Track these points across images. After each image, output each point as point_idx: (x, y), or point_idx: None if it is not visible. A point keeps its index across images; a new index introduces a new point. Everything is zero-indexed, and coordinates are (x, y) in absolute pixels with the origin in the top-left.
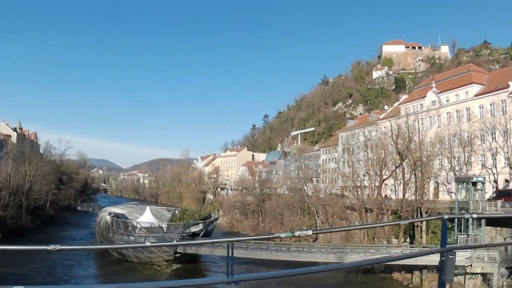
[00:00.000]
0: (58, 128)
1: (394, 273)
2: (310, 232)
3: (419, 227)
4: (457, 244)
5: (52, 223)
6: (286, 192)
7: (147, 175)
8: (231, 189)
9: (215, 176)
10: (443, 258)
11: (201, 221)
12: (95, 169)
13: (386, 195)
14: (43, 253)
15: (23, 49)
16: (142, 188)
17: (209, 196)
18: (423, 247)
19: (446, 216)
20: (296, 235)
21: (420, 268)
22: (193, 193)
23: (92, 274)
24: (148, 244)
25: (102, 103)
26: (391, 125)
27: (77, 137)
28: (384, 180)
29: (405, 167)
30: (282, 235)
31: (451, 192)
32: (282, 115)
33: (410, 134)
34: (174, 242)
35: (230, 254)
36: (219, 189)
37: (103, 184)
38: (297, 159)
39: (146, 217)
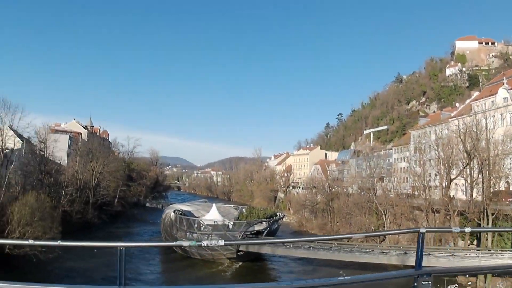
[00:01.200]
0: (134, 126)
1: (458, 276)
2: (222, 243)
3: None
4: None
5: (119, 219)
6: (357, 191)
7: (220, 173)
8: (302, 188)
9: (287, 174)
10: (415, 284)
11: (265, 220)
12: (169, 166)
13: (453, 196)
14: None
15: (96, 49)
16: (215, 186)
17: (280, 195)
18: (488, 250)
19: (423, 230)
20: (203, 245)
21: (484, 272)
22: (264, 191)
23: (155, 270)
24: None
25: (179, 103)
26: (458, 123)
27: (153, 135)
28: (452, 180)
29: (473, 166)
30: (185, 243)
31: None
32: (356, 113)
33: (478, 133)
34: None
35: (120, 261)
36: (290, 187)
37: (176, 181)
38: (368, 158)
39: (212, 214)
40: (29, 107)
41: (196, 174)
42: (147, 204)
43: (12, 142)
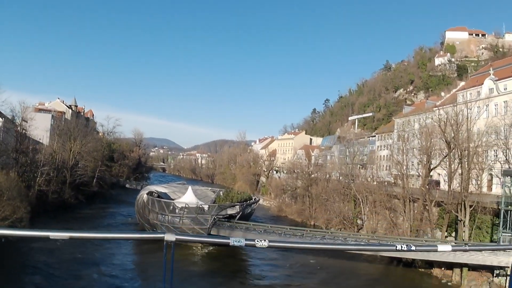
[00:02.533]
0: (123, 107)
1: (435, 269)
2: (266, 244)
3: (462, 222)
4: (499, 242)
5: (96, 200)
6: (338, 178)
7: (206, 155)
8: (285, 172)
9: (270, 158)
10: None
11: (238, 203)
12: (156, 148)
13: (433, 186)
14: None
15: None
16: (199, 168)
17: (263, 179)
18: (464, 244)
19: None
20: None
21: (461, 265)
22: (246, 175)
23: (130, 251)
24: None
25: (169, 85)
26: (439, 113)
27: (141, 116)
28: (431, 170)
29: (453, 157)
30: (232, 241)
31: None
32: (343, 100)
33: (459, 123)
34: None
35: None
36: (274, 172)
37: (161, 163)
38: (351, 145)
39: (188, 197)
40: (13, 85)
41: (181, 156)
42: (127, 185)
43: None
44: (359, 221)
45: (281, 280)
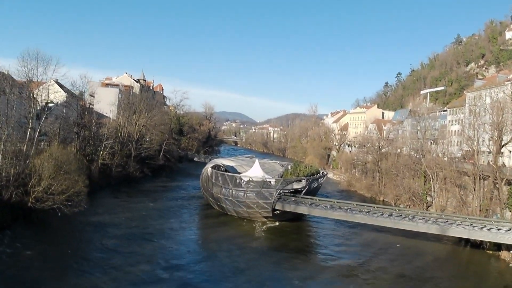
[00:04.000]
0: (196, 82)
1: (503, 251)
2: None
3: None
4: None
5: (163, 173)
6: (411, 153)
7: (278, 129)
8: (356, 147)
9: (342, 132)
10: None
11: (304, 178)
12: (228, 121)
13: (503, 164)
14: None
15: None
16: (271, 142)
17: (334, 153)
18: None
19: None
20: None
21: None
22: (317, 149)
23: (192, 226)
24: None
25: (244, 59)
26: (511, 87)
27: (215, 91)
28: (502, 146)
29: None
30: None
31: None
32: (415, 73)
33: None
34: None
35: None
36: (345, 146)
37: (233, 136)
38: (422, 119)
39: (254, 171)
40: (82, 61)
41: (254, 130)
42: (195, 159)
43: (59, 96)
44: (428, 198)
45: (346, 257)
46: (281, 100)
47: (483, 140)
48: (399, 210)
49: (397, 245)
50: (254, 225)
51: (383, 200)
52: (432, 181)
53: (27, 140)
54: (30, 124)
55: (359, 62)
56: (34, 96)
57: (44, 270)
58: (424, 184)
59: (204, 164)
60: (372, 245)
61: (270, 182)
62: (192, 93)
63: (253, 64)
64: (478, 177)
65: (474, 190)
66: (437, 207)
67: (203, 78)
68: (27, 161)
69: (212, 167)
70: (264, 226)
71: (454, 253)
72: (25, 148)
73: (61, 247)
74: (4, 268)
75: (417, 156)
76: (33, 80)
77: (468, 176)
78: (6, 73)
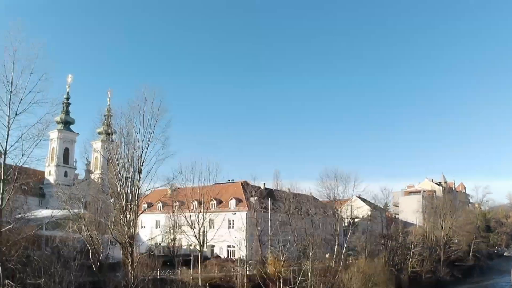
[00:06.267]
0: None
1: None
2: None
3: None
4: None
5: (474, 274)
6: None
7: None
8: None
9: None
10: None
11: None
12: None
13: None
14: None
15: None
16: None
17: None
18: None
19: None
20: None
21: None
22: None
23: None
24: None
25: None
26: None
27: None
28: None
29: None
30: None
31: None
32: None
33: None
34: None
35: None
36: None
37: None
38: None
39: None
40: (379, 174)
41: None
42: (505, 253)
43: (362, 210)
44: None
45: None
46: None
47: None
48: None
49: None
50: None
51: None
52: None
53: (334, 256)
54: (337, 240)
55: None
56: (339, 213)
57: None
58: None
59: None
60: None
61: None
62: (494, 186)
63: None
64: None
65: None
66: None
67: (503, 169)
68: (336, 277)
69: None
70: None
71: None
72: (333, 264)
73: None
74: None
75: None
76: (336, 198)
77: None
78: (310, 194)
